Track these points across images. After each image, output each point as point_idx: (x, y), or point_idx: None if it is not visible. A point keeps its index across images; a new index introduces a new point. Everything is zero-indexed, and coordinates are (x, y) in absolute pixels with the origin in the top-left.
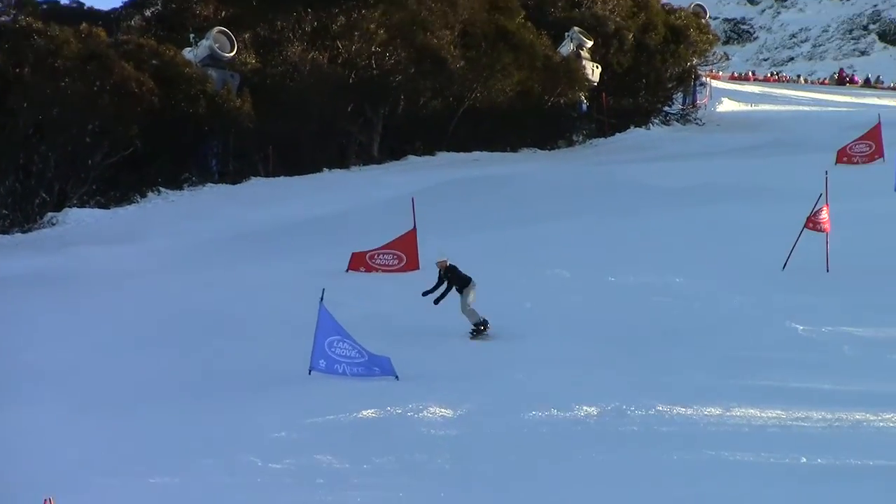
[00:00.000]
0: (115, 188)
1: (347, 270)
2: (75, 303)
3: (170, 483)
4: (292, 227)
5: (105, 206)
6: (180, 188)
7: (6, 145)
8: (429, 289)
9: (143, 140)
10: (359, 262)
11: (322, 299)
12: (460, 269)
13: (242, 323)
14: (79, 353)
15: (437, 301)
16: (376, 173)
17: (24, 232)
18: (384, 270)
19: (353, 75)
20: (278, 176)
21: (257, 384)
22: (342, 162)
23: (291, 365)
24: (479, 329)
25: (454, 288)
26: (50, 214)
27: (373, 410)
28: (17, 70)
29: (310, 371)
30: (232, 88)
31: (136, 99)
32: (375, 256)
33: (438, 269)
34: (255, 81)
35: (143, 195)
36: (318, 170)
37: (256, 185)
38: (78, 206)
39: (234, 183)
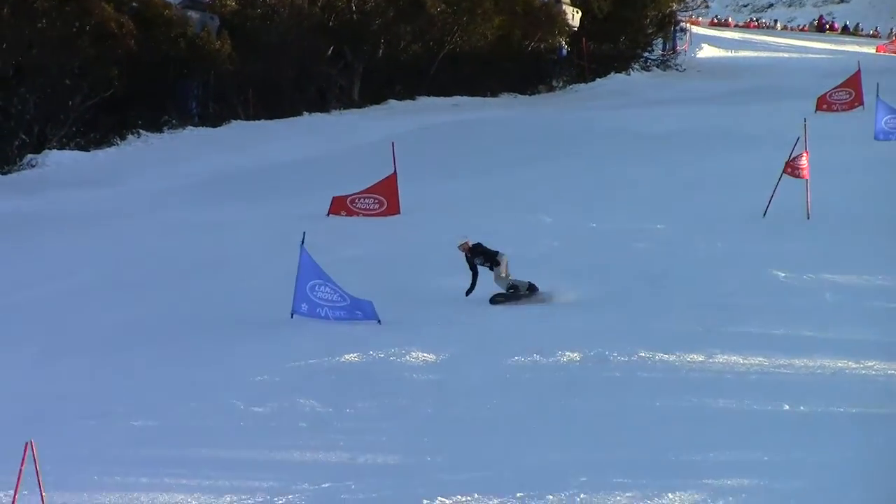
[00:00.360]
0: (95, 130)
1: (328, 214)
2: (54, 245)
3: (151, 426)
4: (273, 170)
5: (85, 149)
6: (160, 131)
7: None
8: (468, 287)
9: (123, 82)
10: (340, 205)
11: (303, 243)
12: (485, 244)
13: (222, 266)
14: (57, 295)
15: (468, 293)
16: (356, 117)
17: (3, 174)
18: (365, 214)
19: (332, 18)
20: (258, 119)
21: (239, 328)
22: (322, 105)
23: (273, 308)
24: (511, 294)
25: (487, 266)
26: (29, 156)
27: (355, 354)
28: None
29: (292, 315)
30: (211, 31)
31: (116, 41)
32: (356, 200)
33: (464, 255)
34: (235, 24)
35: (123, 137)
36: (299, 113)
37: (236, 128)
38: (57, 149)
39: (214, 126)
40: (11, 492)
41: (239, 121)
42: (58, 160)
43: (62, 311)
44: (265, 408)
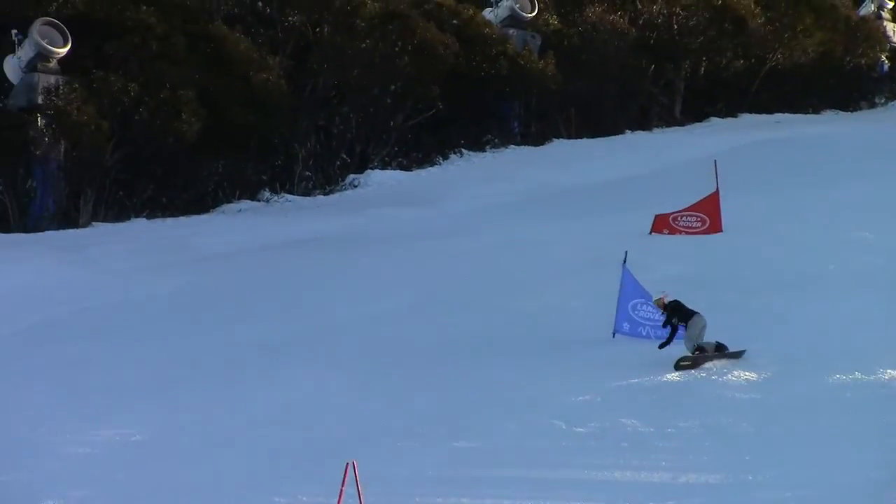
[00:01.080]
0: (417, 150)
1: (651, 233)
2: (377, 265)
3: (473, 447)
4: (594, 188)
5: (407, 168)
6: (482, 150)
7: (307, 106)
8: (665, 340)
9: (444, 101)
10: (662, 224)
11: (625, 262)
12: (685, 304)
13: (543, 284)
14: (380, 314)
15: (662, 346)
16: (678, 134)
17: (325, 194)
18: (687, 233)
19: (653, 36)
20: (580, 137)
21: (558, 347)
22: (644, 123)
23: (594, 327)
24: (696, 356)
25: (682, 325)
26: (351, 176)
27: (677, 374)
28: (317, 30)
29: (613, 334)
30: (533, 49)
31: (438, 59)
32: (679, 218)
33: (661, 310)
34: (554, 42)
35: (445, 157)
36: (620, 131)
37: (558, 147)
38: (379, 168)
39: (536, 144)
40: None
41: (561, 139)
42: (380, 180)
43: (385, 330)
44: (587, 428)
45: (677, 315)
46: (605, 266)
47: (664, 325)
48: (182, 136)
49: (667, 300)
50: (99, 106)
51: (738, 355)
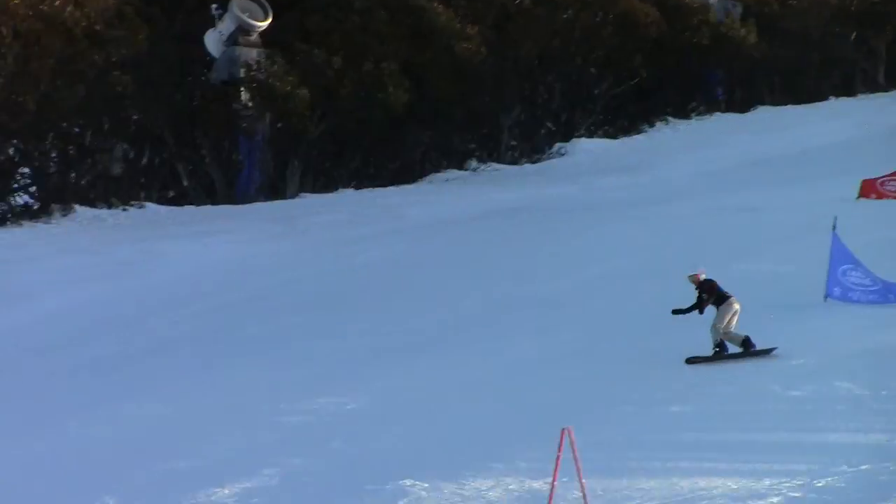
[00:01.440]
0: (623, 118)
1: (858, 198)
2: (587, 232)
3: (689, 411)
4: (801, 154)
5: (613, 136)
6: (688, 117)
7: (510, 76)
8: (684, 308)
9: (648, 70)
10: (869, 189)
11: (834, 228)
12: (720, 285)
13: (753, 251)
14: (588, 281)
15: (675, 312)
16: (882, 101)
17: (532, 163)
18: (895, 197)
19: (854, 3)
20: (784, 104)
21: (771, 311)
22: (847, 89)
23: (805, 292)
24: (715, 354)
25: (715, 306)
26: (558, 145)
27: (890, 336)
28: (518, 2)
29: (825, 298)
30: (734, 17)
31: (640, 29)
32: (886, 183)
33: (694, 287)
34: (754, 10)
35: (651, 125)
36: (824, 98)
37: (762, 114)
38: (586, 137)
39: (740, 111)
40: (550, 479)
41: (765, 106)
42: (586, 148)
43: (596, 298)
44: (802, 391)
45: (709, 294)
46: (814, 232)
47: (695, 303)
48: (388, 107)
49: (701, 277)
50: (302, 78)
51: (764, 353)
